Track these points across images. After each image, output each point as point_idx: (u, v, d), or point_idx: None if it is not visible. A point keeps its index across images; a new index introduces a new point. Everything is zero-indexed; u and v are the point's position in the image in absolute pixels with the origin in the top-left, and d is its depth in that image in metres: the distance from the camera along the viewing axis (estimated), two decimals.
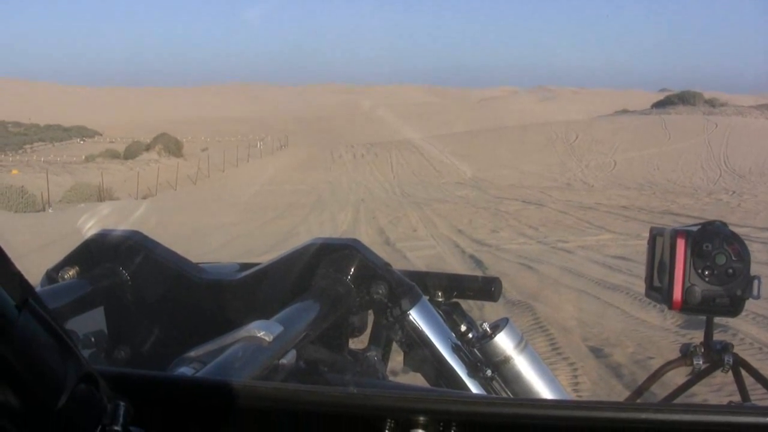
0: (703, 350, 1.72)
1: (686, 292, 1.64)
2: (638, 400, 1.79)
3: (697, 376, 1.75)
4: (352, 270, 1.59)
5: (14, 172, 63.58)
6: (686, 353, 1.73)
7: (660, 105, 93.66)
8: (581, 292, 12.26)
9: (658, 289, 1.73)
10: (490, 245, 18.03)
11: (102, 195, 45.94)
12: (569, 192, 34.98)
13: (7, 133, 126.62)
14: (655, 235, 1.77)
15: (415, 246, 17.95)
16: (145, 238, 1.69)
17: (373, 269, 1.60)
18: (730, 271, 1.64)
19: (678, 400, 1.79)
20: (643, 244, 1.83)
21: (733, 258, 1.64)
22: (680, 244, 1.65)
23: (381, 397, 1.05)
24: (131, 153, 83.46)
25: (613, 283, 12.68)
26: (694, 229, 1.67)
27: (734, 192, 32.43)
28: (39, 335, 0.77)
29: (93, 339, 1.66)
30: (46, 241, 15.08)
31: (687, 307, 1.65)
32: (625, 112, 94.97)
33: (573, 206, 27.80)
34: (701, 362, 1.72)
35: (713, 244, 1.64)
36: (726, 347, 1.72)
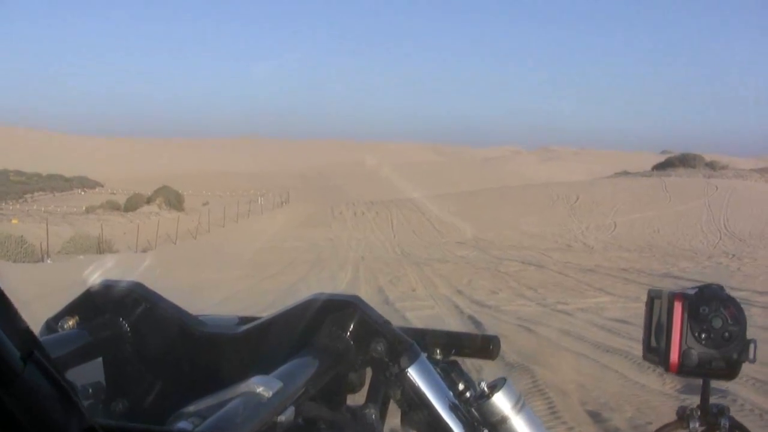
0: (699, 413, 1.72)
1: (683, 355, 1.64)
2: None
3: None
4: (352, 326, 1.59)
5: (14, 221, 63.67)
6: (683, 416, 1.73)
7: (661, 167, 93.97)
8: (580, 355, 12.22)
9: (655, 351, 1.73)
10: (489, 306, 17.99)
11: (101, 247, 45.94)
12: (569, 253, 34.97)
13: (8, 182, 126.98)
14: (653, 297, 1.77)
15: (414, 306, 17.90)
16: (146, 289, 1.69)
17: (373, 326, 1.59)
18: (727, 334, 1.64)
19: None
20: (642, 307, 1.83)
21: (730, 321, 1.65)
22: (677, 307, 1.65)
23: None
24: (132, 205, 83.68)
25: (612, 346, 12.65)
26: (692, 292, 1.68)
27: (734, 255, 32.42)
28: (44, 388, 0.77)
29: (91, 390, 1.65)
30: (44, 292, 15.02)
31: (683, 370, 1.65)
32: (625, 173, 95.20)
33: (573, 268, 27.80)
34: (698, 425, 1.71)
35: (710, 307, 1.65)
36: (722, 410, 1.71)
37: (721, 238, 41.02)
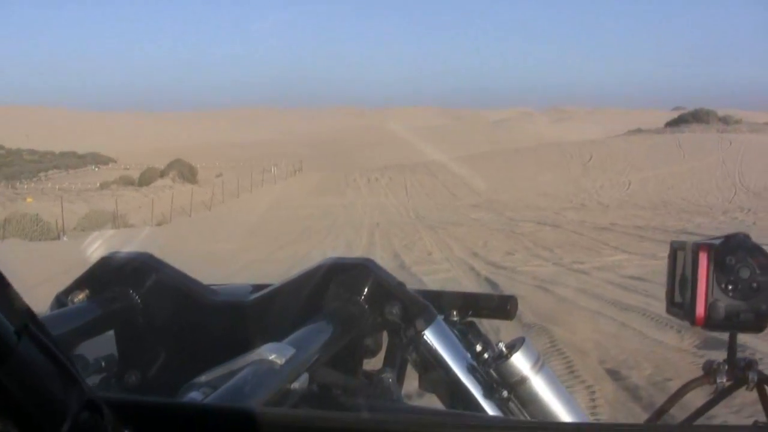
0: (726, 367, 1.67)
1: (709, 307, 1.59)
2: (659, 421, 1.76)
3: (720, 394, 1.70)
4: (366, 290, 1.57)
5: (29, 200, 64.03)
6: (709, 371, 1.69)
7: (674, 123, 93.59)
8: (597, 314, 12.19)
9: (679, 304, 1.68)
10: (505, 267, 17.98)
11: (117, 222, 46.09)
12: (584, 212, 34.92)
13: (22, 161, 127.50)
14: (675, 248, 1.72)
15: (430, 270, 17.91)
16: (155, 259, 1.67)
17: (387, 289, 1.57)
18: (755, 285, 1.59)
19: (700, 421, 1.75)
20: (659, 264, 1.80)
21: (758, 271, 1.59)
22: (702, 257, 1.60)
23: (394, 423, 1.02)
24: (146, 179, 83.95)
25: (630, 304, 12.60)
26: (717, 242, 1.63)
27: (749, 210, 32.36)
28: (39, 362, 0.75)
29: (103, 363, 1.64)
30: (60, 270, 15.07)
31: (710, 323, 1.60)
32: (638, 131, 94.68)
33: (588, 227, 27.76)
34: (725, 380, 1.68)
35: (736, 257, 1.59)
36: (750, 364, 1.67)
37: (736, 193, 40.89)
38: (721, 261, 1.60)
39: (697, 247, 1.62)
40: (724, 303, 1.59)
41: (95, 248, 1.72)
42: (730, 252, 1.60)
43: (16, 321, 0.72)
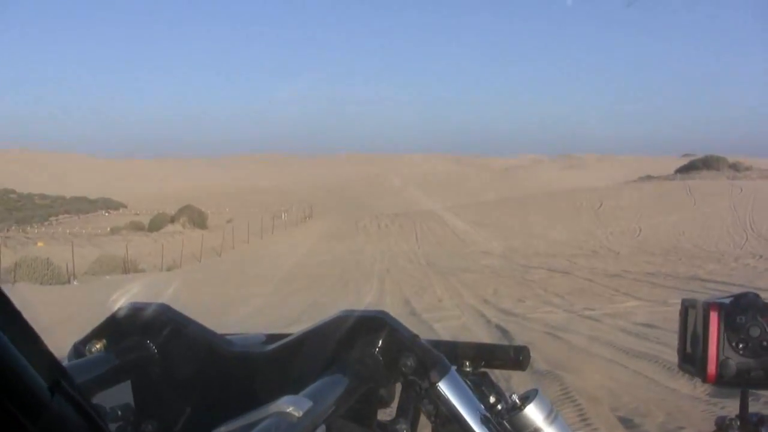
0: (738, 423, 1.69)
1: (720, 365, 1.62)
2: None
3: None
4: (380, 342, 1.58)
5: (40, 244, 64.11)
6: (721, 426, 1.70)
7: (684, 170, 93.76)
8: (609, 361, 12.15)
9: (691, 361, 1.70)
10: (516, 314, 17.94)
11: (127, 267, 46.19)
12: (595, 259, 34.87)
13: (33, 205, 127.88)
14: (687, 306, 1.74)
15: (440, 316, 17.88)
16: (173, 311, 1.69)
17: (401, 341, 1.58)
18: (765, 343, 1.61)
19: None
20: (670, 311, 1.82)
21: (767, 330, 1.62)
22: (713, 317, 1.63)
23: None
24: (156, 225, 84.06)
25: (642, 351, 12.56)
26: (727, 301, 1.65)
27: (761, 256, 32.24)
28: (71, 417, 0.76)
29: (120, 413, 1.65)
30: (71, 314, 15.07)
31: (721, 380, 1.63)
32: (649, 178, 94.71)
33: (599, 274, 27.71)
34: None
35: (747, 316, 1.62)
36: (762, 420, 1.68)
37: (747, 240, 40.76)
38: (732, 320, 1.62)
39: (708, 306, 1.65)
40: (735, 361, 1.62)
41: (116, 299, 1.74)
42: (740, 311, 1.63)
43: (49, 377, 0.74)
